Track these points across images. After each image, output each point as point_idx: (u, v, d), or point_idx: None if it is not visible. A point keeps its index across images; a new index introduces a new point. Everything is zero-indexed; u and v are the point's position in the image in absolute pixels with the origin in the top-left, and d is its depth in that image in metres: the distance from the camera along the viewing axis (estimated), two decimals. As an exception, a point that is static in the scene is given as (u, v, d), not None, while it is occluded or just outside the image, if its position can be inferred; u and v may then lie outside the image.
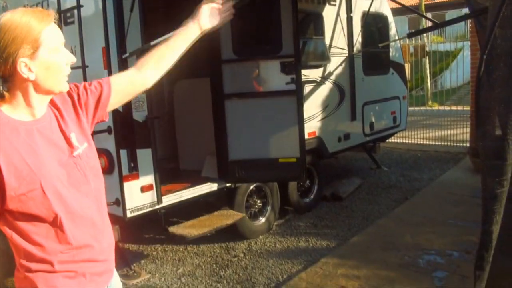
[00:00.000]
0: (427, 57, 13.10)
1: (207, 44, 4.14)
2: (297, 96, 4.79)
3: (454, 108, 11.81)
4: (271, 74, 4.83)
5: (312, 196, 6.17)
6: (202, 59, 4.66)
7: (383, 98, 7.51)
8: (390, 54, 7.69)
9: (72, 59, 1.54)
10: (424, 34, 14.78)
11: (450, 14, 21.12)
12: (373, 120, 7.23)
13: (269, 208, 5.44)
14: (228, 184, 4.99)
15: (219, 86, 4.87)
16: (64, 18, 4.10)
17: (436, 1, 23.65)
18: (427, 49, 12.19)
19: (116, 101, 1.75)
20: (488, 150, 2.31)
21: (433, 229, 5.24)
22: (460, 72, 14.70)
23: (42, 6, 4.29)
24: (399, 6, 7.25)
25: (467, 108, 10.97)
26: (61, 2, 4.07)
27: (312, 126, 5.85)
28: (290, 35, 4.67)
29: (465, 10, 19.32)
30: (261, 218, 5.42)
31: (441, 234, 5.05)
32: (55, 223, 1.46)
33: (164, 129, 5.80)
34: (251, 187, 5.29)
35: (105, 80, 1.72)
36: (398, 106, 7.94)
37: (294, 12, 4.64)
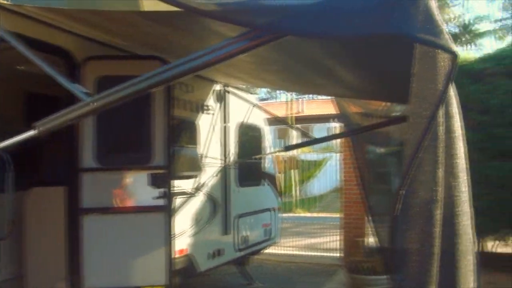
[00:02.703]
0: (293, 169, 13.54)
1: (65, 147, 3.51)
2: (166, 213, 4.24)
3: (322, 215, 12.07)
4: (139, 187, 4.25)
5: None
6: (61, 162, 3.96)
7: (257, 210, 7.24)
8: (263, 165, 7.58)
9: None
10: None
11: (318, 127, 22.54)
12: (247, 234, 6.85)
13: None
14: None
15: (76, 198, 4.13)
16: None
17: (303, 114, 25.34)
18: (297, 159, 12.59)
19: None
20: None
21: None
22: (326, 180, 15.43)
23: None
24: (270, 116, 7.34)
25: (334, 215, 11.25)
26: None
27: (182, 242, 5.25)
28: (162, 144, 4.21)
29: (332, 124, 20.94)
30: None
31: None
32: None
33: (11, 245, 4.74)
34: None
35: None
36: (271, 217, 7.72)
37: (167, 118, 4.23)
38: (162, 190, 4.20)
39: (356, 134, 6.05)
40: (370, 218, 6.44)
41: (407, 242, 2.07)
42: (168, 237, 4.21)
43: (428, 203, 1.95)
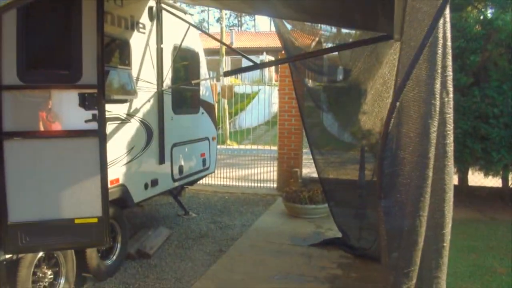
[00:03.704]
0: (230, 98, 13.21)
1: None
2: (100, 137, 3.80)
3: (255, 147, 11.98)
4: (68, 108, 3.75)
5: (114, 257, 5.09)
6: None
7: (193, 139, 6.93)
8: (201, 92, 7.18)
9: None
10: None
11: (246, 61, 21.97)
12: (183, 163, 6.55)
13: (62, 280, 4.25)
14: (7, 256, 3.68)
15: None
16: None
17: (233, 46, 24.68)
18: (234, 90, 12.24)
19: None
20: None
21: (258, 289, 4.72)
22: (255, 113, 15.30)
23: None
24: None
25: (267, 147, 11.21)
26: None
27: (115, 172, 4.86)
28: (93, 60, 3.69)
29: (262, 57, 20.65)
30: (51, 294, 4.16)
31: (266, 295, 4.54)
32: None
33: None
34: (39, 255, 4.04)
35: None
36: (207, 147, 7.45)
37: (100, 33, 3.69)
38: (94, 112, 3.73)
39: (328, 53, 5.80)
40: (312, 149, 6.37)
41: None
42: (103, 164, 3.81)
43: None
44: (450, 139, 1.88)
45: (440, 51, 1.68)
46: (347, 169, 6.47)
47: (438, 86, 1.70)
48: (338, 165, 6.58)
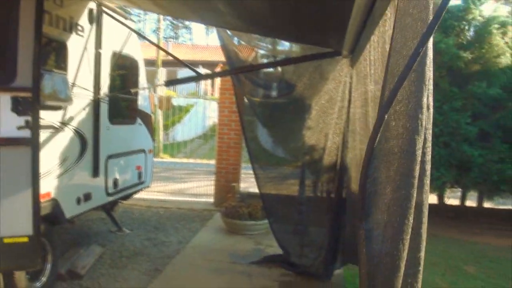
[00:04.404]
0: (167, 109, 12.86)
1: None
2: (32, 146, 3.44)
3: (188, 161, 11.71)
4: (-3, 113, 3.36)
5: (45, 279, 4.62)
6: None
7: (129, 151, 6.58)
8: (138, 102, 6.86)
9: None
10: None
11: (182, 72, 21.75)
12: (118, 176, 6.19)
13: (-19, 307, 3.77)
14: None
15: None
16: None
17: (170, 58, 24.20)
18: (172, 101, 11.90)
19: None
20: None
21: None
22: (191, 126, 15.03)
23: None
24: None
25: (203, 161, 10.98)
26: None
27: (46, 185, 4.44)
28: (29, 61, 3.34)
29: (198, 70, 20.28)
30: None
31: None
32: None
33: None
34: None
35: None
36: (143, 160, 7.11)
37: (38, 32, 3.35)
38: (27, 118, 3.38)
39: (274, 67, 5.71)
40: (253, 164, 6.23)
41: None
42: (35, 176, 3.45)
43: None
44: (429, 157, 1.81)
45: (428, 61, 1.61)
46: (287, 184, 6.40)
47: (425, 99, 1.62)
48: (279, 180, 6.50)
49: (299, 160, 6.27)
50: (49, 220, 4.64)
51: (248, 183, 10.35)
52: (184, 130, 15.93)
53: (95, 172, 5.56)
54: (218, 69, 7.84)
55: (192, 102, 17.46)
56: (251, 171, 6.10)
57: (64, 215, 4.87)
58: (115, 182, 6.12)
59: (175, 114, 16.34)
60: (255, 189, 8.85)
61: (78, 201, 5.23)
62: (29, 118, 3.39)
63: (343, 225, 5.33)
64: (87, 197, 5.42)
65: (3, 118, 3.33)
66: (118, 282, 5.13)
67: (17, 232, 3.35)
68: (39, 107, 3.53)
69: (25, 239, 3.37)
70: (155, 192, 9.60)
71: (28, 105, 3.35)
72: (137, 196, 8.22)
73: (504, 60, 7.48)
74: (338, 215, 5.36)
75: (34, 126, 3.40)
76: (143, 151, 7.06)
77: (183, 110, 17.30)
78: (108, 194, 5.98)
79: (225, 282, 5.18)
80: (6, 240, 3.29)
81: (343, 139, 5.14)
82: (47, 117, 4.44)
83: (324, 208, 5.73)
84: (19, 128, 3.37)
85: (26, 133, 3.39)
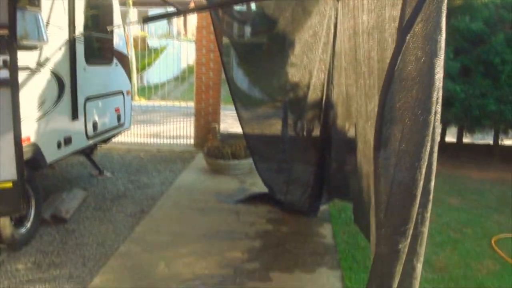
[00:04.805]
0: (143, 50, 12.43)
1: None
2: (12, 87, 3.27)
3: (164, 103, 11.52)
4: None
5: (29, 224, 4.56)
6: None
7: (107, 92, 6.38)
8: (114, 42, 6.58)
9: None
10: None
11: (153, 12, 20.91)
12: (97, 119, 6.03)
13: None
14: None
15: None
16: None
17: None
18: (147, 41, 11.48)
19: None
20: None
21: (188, 249, 4.52)
22: (164, 68, 14.65)
23: None
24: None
25: (180, 103, 10.79)
26: None
27: (26, 129, 4.27)
28: (3, -4, 3.11)
29: (169, 9, 19.55)
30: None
31: (199, 255, 4.35)
32: None
33: None
34: None
35: None
36: (122, 102, 6.93)
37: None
38: (5, 57, 3.18)
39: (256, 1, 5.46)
40: (235, 103, 6.12)
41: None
42: (16, 119, 3.30)
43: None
44: (441, 84, 1.75)
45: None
46: (270, 123, 6.36)
47: (443, 21, 1.54)
48: (262, 119, 6.44)
49: (278, 100, 6.20)
50: (30, 165, 4.52)
51: (227, 123, 10.30)
52: (159, 73, 15.52)
53: (74, 115, 5.40)
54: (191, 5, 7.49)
55: (164, 44, 16.92)
56: (228, 112, 5.99)
57: (45, 160, 4.75)
58: (95, 125, 5.96)
59: (148, 56, 15.87)
60: (234, 129, 8.84)
61: (59, 145, 5.10)
62: (7, 57, 3.19)
63: (328, 162, 5.37)
64: (67, 140, 5.28)
65: (-21, 58, 3.13)
66: (104, 224, 5.11)
67: (1, 177, 3.24)
68: (17, 45, 3.33)
69: (9, 184, 3.26)
70: (134, 136, 9.45)
71: (5, 43, 3.14)
72: (116, 139, 8.10)
73: (487, -6, 7.40)
74: (323, 152, 5.39)
75: (13, 66, 3.21)
76: (121, 92, 6.86)
77: (157, 52, 16.80)
78: (88, 138, 5.85)
79: (213, 221, 5.22)
80: (-9, 186, 3.20)
81: (328, 75, 5.06)
82: (22, 58, 4.20)
83: (309, 146, 5.75)
84: (-4, 68, 3.18)
85: (5, 74, 3.20)
